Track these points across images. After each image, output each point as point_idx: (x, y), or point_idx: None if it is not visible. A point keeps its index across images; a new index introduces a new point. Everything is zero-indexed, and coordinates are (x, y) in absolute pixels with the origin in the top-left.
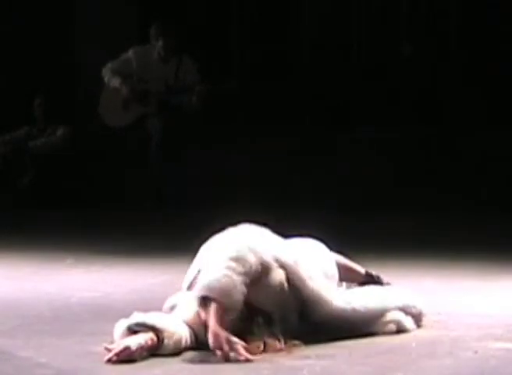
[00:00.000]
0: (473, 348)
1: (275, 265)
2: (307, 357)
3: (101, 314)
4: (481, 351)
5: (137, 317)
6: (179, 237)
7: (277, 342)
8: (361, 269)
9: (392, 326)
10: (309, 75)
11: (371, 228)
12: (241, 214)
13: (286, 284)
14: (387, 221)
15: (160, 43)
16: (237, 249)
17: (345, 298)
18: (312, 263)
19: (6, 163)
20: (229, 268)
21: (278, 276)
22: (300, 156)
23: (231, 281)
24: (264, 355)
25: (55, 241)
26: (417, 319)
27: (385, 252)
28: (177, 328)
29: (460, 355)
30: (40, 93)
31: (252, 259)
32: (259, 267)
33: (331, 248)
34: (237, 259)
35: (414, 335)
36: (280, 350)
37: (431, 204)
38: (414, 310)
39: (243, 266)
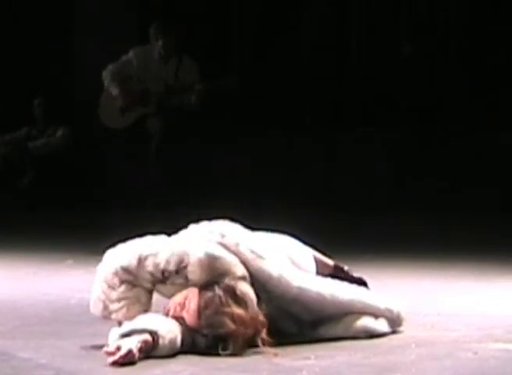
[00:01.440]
0: (473, 348)
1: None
2: (307, 358)
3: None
4: (481, 352)
5: (128, 325)
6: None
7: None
8: (330, 262)
9: (360, 333)
10: (309, 75)
11: (371, 228)
12: (233, 212)
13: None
14: (386, 221)
15: (160, 42)
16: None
17: (311, 281)
18: (270, 246)
19: (6, 164)
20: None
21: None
22: (299, 156)
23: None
24: (263, 356)
25: (54, 241)
26: (394, 323)
27: (385, 252)
28: (170, 327)
29: (460, 355)
30: (40, 93)
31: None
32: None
33: (305, 242)
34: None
35: (414, 336)
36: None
37: (430, 204)
38: (387, 313)
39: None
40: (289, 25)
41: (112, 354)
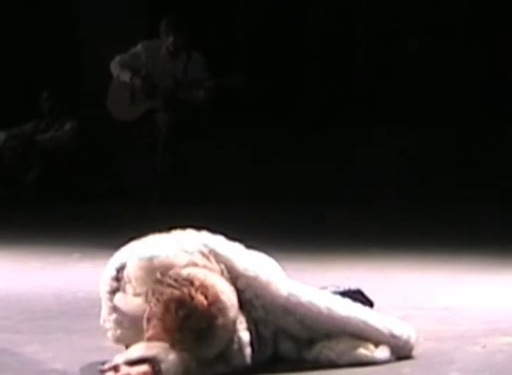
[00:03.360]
0: (480, 342)
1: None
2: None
3: None
4: (488, 346)
5: (123, 356)
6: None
7: None
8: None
9: (356, 360)
10: (317, 71)
11: (376, 221)
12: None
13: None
14: (392, 215)
15: (170, 39)
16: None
17: (302, 289)
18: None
19: (14, 157)
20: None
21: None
22: (308, 152)
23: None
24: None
25: (61, 235)
26: (401, 350)
27: (390, 246)
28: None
29: (468, 349)
30: (47, 87)
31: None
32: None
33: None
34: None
35: (421, 330)
36: None
37: (436, 198)
38: (391, 340)
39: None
40: (297, 22)
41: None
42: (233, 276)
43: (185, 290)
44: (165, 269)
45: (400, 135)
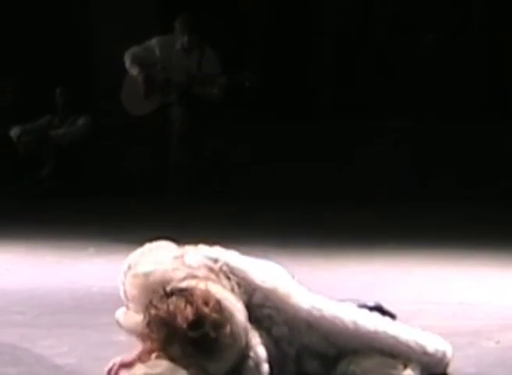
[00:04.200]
0: (495, 338)
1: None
2: None
3: (123, 304)
4: (502, 342)
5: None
6: (199, 226)
7: None
8: None
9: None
10: (332, 64)
11: (393, 217)
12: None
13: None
14: (409, 210)
15: (185, 38)
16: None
17: (325, 301)
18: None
19: (27, 152)
20: None
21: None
22: (320, 145)
23: None
24: None
25: (76, 230)
26: (434, 367)
27: (406, 241)
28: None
29: (482, 345)
30: (61, 82)
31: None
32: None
33: None
34: None
35: (436, 325)
36: None
37: (448, 193)
38: (424, 357)
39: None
40: (311, 15)
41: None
42: (249, 290)
43: (180, 303)
44: (162, 284)
45: (402, 133)
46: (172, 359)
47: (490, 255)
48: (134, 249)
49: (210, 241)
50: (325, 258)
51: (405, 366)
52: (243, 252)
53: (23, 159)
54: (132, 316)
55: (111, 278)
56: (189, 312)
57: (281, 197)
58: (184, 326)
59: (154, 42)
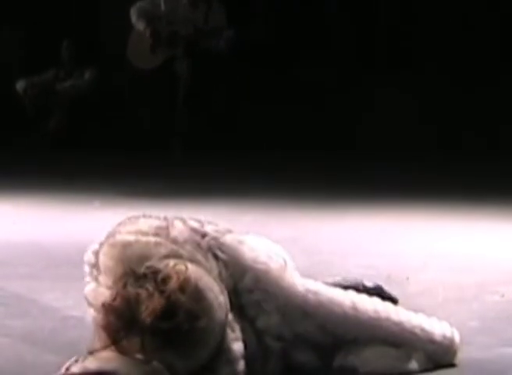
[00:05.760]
0: (499, 291)
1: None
2: None
3: None
4: (507, 295)
5: (80, 365)
6: (205, 179)
7: None
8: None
9: (385, 371)
10: (338, 19)
11: (396, 170)
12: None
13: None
14: (412, 163)
15: None
16: None
17: (321, 285)
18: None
19: (34, 105)
20: None
21: None
22: (329, 95)
23: None
24: None
25: (82, 183)
26: (441, 357)
27: (410, 194)
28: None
29: (487, 298)
30: (68, 35)
31: None
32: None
33: None
34: None
35: (441, 279)
36: None
37: (456, 147)
38: (430, 346)
39: None
40: None
41: None
42: (238, 272)
43: (149, 287)
44: (140, 260)
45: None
46: (125, 353)
47: (496, 208)
48: (139, 202)
49: (215, 195)
50: (330, 211)
51: (409, 357)
52: (246, 205)
53: (29, 112)
54: (102, 293)
55: None
56: (159, 299)
57: (285, 148)
58: (151, 314)
59: None
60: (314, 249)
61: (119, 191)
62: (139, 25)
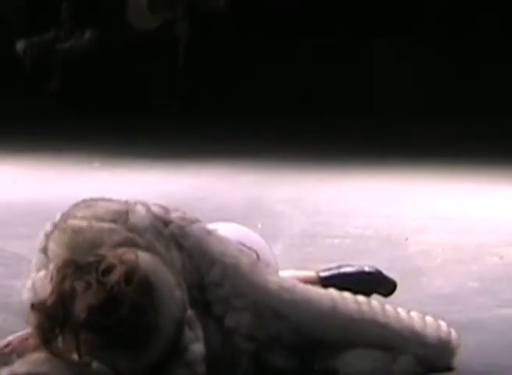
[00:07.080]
0: (499, 253)
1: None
2: None
3: None
4: (506, 257)
5: (9, 368)
6: (205, 141)
7: None
8: (311, 273)
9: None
10: None
11: (397, 131)
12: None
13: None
14: (413, 124)
15: None
16: None
17: (294, 283)
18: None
19: (34, 66)
20: None
21: None
22: (325, 61)
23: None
24: None
25: (81, 144)
26: (437, 360)
27: (411, 156)
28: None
29: (486, 260)
30: None
31: None
32: None
33: None
34: None
35: (440, 240)
36: None
37: (459, 107)
38: (420, 350)
39: None
40: None
41: None
42: (204, 265)
43: (89, 278)
44: (90, 247)
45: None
46: (59, 354)
47: (497, 170)
48: (138, 163)
49: (215, 156)
50: (330, 173)
51: (395, 360)
52: (246, 167)
53: (30, 73)
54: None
55: (116, 192)
56: (98, 291)
57: (284, 110)
58: (87, 309)
59: None
60: (314, 210)
61: (119, 151)
62: None
